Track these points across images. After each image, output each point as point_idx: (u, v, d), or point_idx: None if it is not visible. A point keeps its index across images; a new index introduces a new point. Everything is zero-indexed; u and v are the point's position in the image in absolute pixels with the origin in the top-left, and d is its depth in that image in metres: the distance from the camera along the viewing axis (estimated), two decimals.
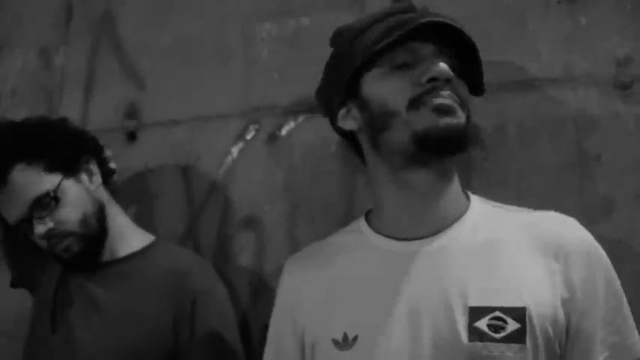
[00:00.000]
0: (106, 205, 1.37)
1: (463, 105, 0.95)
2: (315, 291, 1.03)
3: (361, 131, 1.03)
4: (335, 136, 1.45)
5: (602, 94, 1.26)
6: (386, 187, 1.01)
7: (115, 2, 1.75)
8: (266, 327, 1.44)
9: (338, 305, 0.99)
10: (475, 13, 1.35)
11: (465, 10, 1.34)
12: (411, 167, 0.97)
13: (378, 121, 0.98)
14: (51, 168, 1.29)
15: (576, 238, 0.96)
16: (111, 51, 1.75)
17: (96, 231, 1.33)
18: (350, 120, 1.03)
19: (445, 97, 0.93)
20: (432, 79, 0.93)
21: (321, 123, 1.48)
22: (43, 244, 1.29)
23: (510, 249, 0.95)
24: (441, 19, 0.94)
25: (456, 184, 1.01)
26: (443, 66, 0.93)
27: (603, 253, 0.97)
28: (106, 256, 1.36)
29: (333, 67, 1.07)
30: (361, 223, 1.07)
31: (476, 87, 1.03)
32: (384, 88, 0.97)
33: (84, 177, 1.34)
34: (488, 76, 1.29)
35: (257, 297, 1.50)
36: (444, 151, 0.96)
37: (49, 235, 1.28)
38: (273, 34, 1.56)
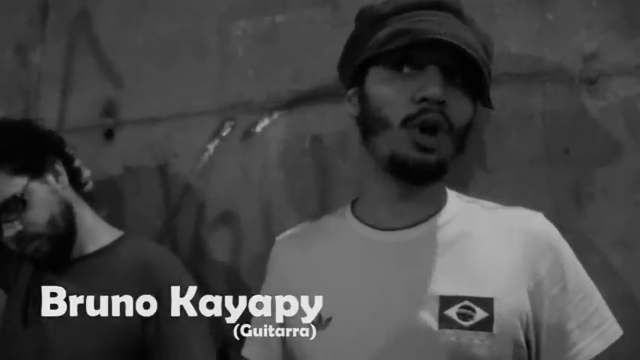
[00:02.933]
0: (74, 204, 1.38)
1: (452, 129, 0.96)
2: (297, 271, 1.08)
3: (358, 120, 1.05)
4: (309, 133, 1.48)
5: (569, 89, 1.29)
6: (371, 179, 1.05)
7: (91, 0, 1.75)
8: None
9: (316, 286, 1.03)
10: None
11: None
12: (390, 174, 1.01)
13: (370, 123, 1.00)
14: (17, 171, 1.29)
15: (542, 231, 1.00)
16: (88, 49, 1.75)
17: (64, 231, 1.34)
18: (352, 105, 1.06)
19: (435, 122, 0.94)
20: (424, 99, 0.94)
21: (296, 120, 1.50)
22: (12, 246, 1.30)
23: (481, 242, 0.99)
24: (445, 38, 0.92)
25: (439, 184, 1.05)
26: (436, 90, 0.93)
27: (567, 245, 1.01)
28: (75, 253, 1.37)
29: (349, 46, 1.09)
30: (346, 209, 1.11)
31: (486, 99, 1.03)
32: (383, 92, 0.98)
33: (50, 178, 1.35)
34: None
35: (234, 292, 1.50)
36: (413, 181, 1.00)
37: (18, 237, 1.29)
38: (249, 31, 1.57)
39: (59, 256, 1.34)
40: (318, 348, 1.00)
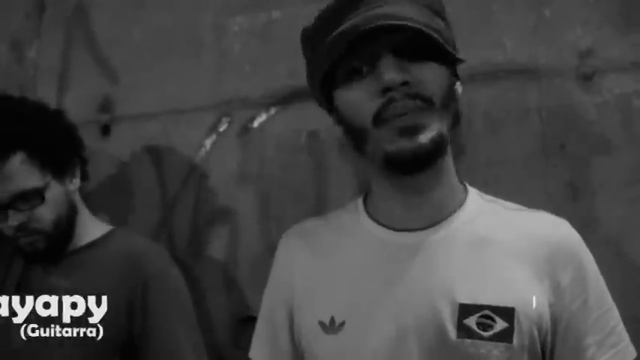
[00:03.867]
0: (78, 206, 1.38)
1: (432, 102, 0.90)
2: (307, 269, 1.03)
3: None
4: (306, 128, 1.48)
5: (564, 85, 1.30)
6: (377, 179, 1.00)
7: None
8: (243, 320, 1.47)
9: (328, 287, 0.99)
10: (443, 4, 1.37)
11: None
12: (393, 173, 0.96)
13: (354, 137, 0.96)
14: (46, 165, 1.29)
15: (566, 242, 0.96)
16: (84, 45, 1.75)
17: (64, 232, 1.34)
18: (335, 123, 1.01)
19: (404, 110, 0.88)
20: (386, 89, 0.88)
21: (293, 115, 1.51)
22: (9, 232, 1.30)
23: (502, 248, 0.94)
24: (370, 26, 0.87)
25: (448, 177, 0.99)
26: (390, 75, 0.88)
27: (591, 256, 0.97)
28: (67, 248, 1.37)
29: (308, 75, 1.04)
30: (359, 205, 1.05)
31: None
32: (349, 102, 0.94)
33: (67, 179, 1.35)
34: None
35: (230, 287, 1.52)
36: (413, 172, 0.93)
37: (20, 228, 1.28)
38: (245, 27, 1.57)
39: (51, 253, 1.35)
40: (330, 352, 0.96)
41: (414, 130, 0.88)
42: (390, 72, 0.88)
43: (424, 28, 0.88)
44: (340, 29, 0.91)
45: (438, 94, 0.91)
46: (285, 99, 1.49)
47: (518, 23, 1.33)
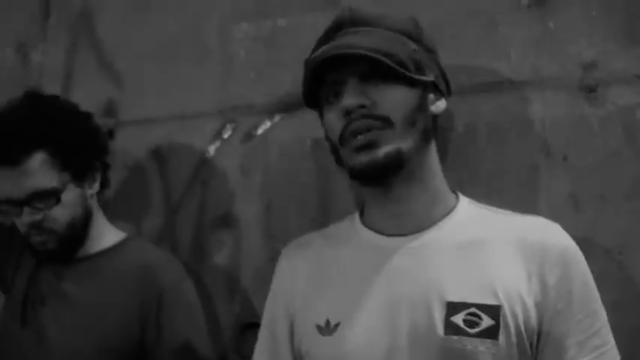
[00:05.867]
0: (93, 210, 1.38)
1: (385, 121, 0.99)
2: (306, 278, 1.09)
3: None
4: (310, 136, 1.49)
5: (568, 97, 1.30)
6: (365, 191, 1.09)
7: (93, 0, 1.76)
8: (246, 326, 1.47)
9: (324, 292, 1.05)
10: (448, 16, 1.38)
11: (438, 14, 1.37)
12: (361, 185, 1.07)
13: (333, 153, 1.07)
14: (66, 167, 1.29)
15: (556, 243, 1.00)
16: (89, 49, 1.75)
17: (76, 235, 1.34)
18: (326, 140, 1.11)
19: (359, 129, 0.98)
20: (347, 112, 0.99)
21: (297, 122, 1.51)
22: (23, 228, 1.29)
23: (492, 249, 0.99)
24: (333, 53, 0.98)
25: (431, 187, 1.06)
26: (348, 100, 0.99)
27: (582, 259, 1.01)
28: (79, 253, 1.37)
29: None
30: (355, 215, 1.13)
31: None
32: (326, 122, 1.06)
33: (87, 183, 1.35)
34: (460, 78, 1.34)
35: (233, 295, 1.52)
36: (371, 184, 1.04)
37: (33, 225, 1.28)
38: (250, 34, 1.58)
39: (61, 255, 1.34)
40: (328, 353, 1.01)
41: (370, 146, 0.98)
42: (349, 97, 0.99)
43: (374, 55, 0.97)
44: (310, 57, 1.04)
45: (398, 113, 1.00)
46: (290, 106, 1.49)
47: (523, 35, 1.34)
